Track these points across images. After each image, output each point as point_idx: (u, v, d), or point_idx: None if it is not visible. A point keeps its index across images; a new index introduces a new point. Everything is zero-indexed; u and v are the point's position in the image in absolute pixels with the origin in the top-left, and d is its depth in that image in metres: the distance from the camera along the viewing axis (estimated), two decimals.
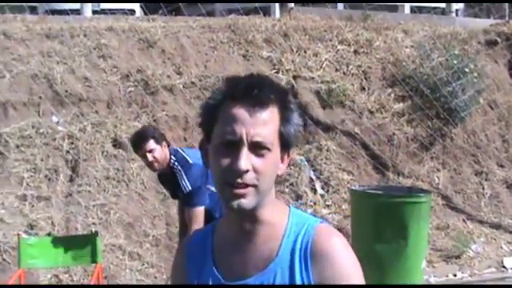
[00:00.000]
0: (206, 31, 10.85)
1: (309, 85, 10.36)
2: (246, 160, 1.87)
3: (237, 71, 10.11)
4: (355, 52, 11.09)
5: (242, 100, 1.88)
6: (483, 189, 10.70)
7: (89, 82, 9.84)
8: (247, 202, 1.90)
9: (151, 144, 5.68)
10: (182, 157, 5.79)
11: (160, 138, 5.76)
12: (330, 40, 11.16)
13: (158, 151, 5.70)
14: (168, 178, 5.89)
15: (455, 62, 10.92)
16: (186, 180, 5.67)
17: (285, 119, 1.93)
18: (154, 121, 9.46)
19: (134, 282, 8.08)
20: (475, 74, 11.03)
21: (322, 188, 9.35)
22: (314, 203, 9.15)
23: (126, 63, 10.09)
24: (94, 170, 8.95)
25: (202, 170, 5.75)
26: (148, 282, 8.13)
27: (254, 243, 2.01)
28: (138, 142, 5.87)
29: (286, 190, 9.19)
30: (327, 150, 9.67)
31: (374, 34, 11.67)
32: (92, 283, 6.28)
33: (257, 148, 1.88)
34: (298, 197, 9.15)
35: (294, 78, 10.37)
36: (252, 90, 1.89)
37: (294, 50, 10.71)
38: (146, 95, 9.71)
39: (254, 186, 1.89)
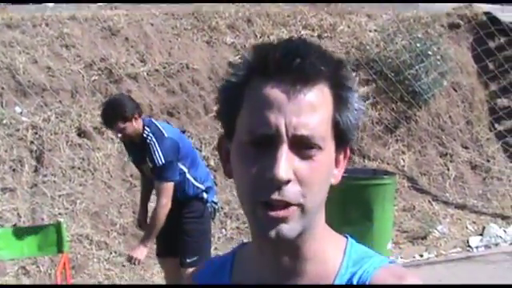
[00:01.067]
0: (169, 18, 10.80)
1: None
2: (287, 165, 1.27)
3: (201, 58, 10.11)
4: (319, 36, 11.11)
5: (276, 76, 1.29)
6: (448, 170, 10.81)
7: (52, 71, 9.76)
8: (289, 228, 1.31)
9: (119, 125, 5.61)
10: (157, 129, 5.74)
11: (130, 113, 5.63)
12: (294, 25, 11.17)
13: (129, 127, 5.63)
14: (136, 146, 5.82)
15: (418, 45, 11.00)
16: (159, 153, 5.62)
17: (342, 103, 1.35)
18: None
19: (102, 272, 8.07)
20: (438, 57, 11.12)
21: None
22: None
23: (89, 52, 10.02)
24: (59, 160, 8.91)
25: (176, 145, 5.76)
26: (116, 270, 8.13)
27: (294, 277, 1.41)
28: (106, 126, 5.90)
29: None
30: None
31: (337, 18, 11.70)
32: (58, 273, 6.26)
33: (302, 146, 1.29)
34: None
35: None
36: (292, 61, 1.29)
37: (258, 36, 10.71)
38: (110, 84, 9.66)
39: (299, 204, 1.30)
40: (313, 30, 11.19)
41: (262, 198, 1.28)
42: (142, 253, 5.84)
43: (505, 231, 9.94)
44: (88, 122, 9.23)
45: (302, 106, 1.28)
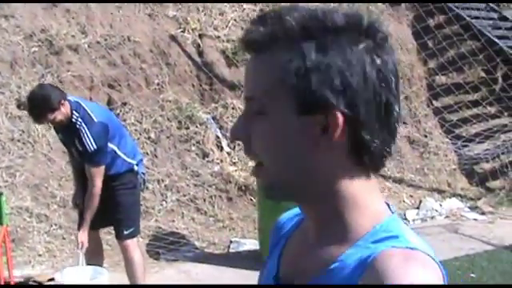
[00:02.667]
0: None
1: (215, 44, 10.38)
2: (236, 124, 1.39)
3: (142, 31, 10.07)
4: (261, 11, 11.12)
5: (243, 43, 1.37)
6: None
7: None
8: (261, 186, 1.43)
9: (49, 117, 5.59)
10: (86, 114, 5.68)
11: (56, 102, 5.54)
12: None
13: (58, 115, 5.58)
14: (65, 128, 5.79)
15: None
16: (90, 138, 5.60)
17: (290, 67, 1.29)
18: (60, 81, 9.32)
19: (43, 244, 8.05)
20: None
21: (229, 146, 9.45)
22: (221, 161, 9.25)
23: (29, 23, 9.88)
24: None
25: (105, 128, 5.76)
26: (56, 243, 8.11)
27: (318, 241, 1.40)
28: (37, 122, 6.02)
29: (193, 148, 9.25)
30: (233, 108, 9.75)
31: None
32: None
33: (251, 110, 1.35)
34: (205, 155, 9.23)
35: (200, 36, 10.36)
36: (250, 30, 1.34)
37: (200, 9, 10.69)
38: (51, 55, 9.56)
39: (258, 163, 1.37)
40: (255, 4, 11.18)
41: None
42: (86, 237, 5.89)
43: (440, 205, 10.20)
44: (28, 93, 9.12)
45: (250, 70, 1.35)
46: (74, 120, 5.66)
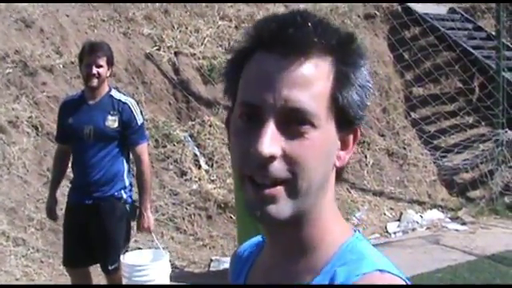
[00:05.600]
0: (85, 10, 10.67)
1: (190, 61, 10.35)
2: (272, 139, 1.20)
3: (117, 49, 10.01)
4: (236, 27, 11.13)
5: (270, 47, 1.23)
6: (366, 158, 10.99)
7: None
8: (277, 209, 1.24)
9: (104, 60, 5.50)
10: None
11: (111, 65, 5.61)
12: (211, 16, 11.16)
13: (104, 71, 5.50)
14: (88, 104, 5.62)
15: None
16: (138, 112, 5.59)
17: (342, 79, 1.25)
18: (35, 102, 9.25)
19: (20, 268, 7.95)
20: None
21: (207, 163, 9.40)
22: (199, 179, 9.19)
23: (2, 44, 9.80)
24: None
25: None
26: (34, 267, 8.01)
27: (284, 269, 1.35)
28: (97, 48, 5.60)
29: (171, 166, 9.19)
30: (210, 126, 9.71)
31: (254, 8, 11.74)
32: None
33: (292, 122, 1.22)
34: (183, 173, 9.18)
35: (176, 54, 10.34)
36: (285, 31, 1.22)
37: (175, 27, 10.67)
38: (25, 76, 9.49)
39: (287, 181, 1.23)
40: (230, 21, 11.22)
41: (248, 171, 1.23)
42: (150, 220, 5.76)
43: (421, 216, 10.20)
44: (2, 115, 9.03)
45: (292, 78, 1.21)
46: (114, 94, 5.62)
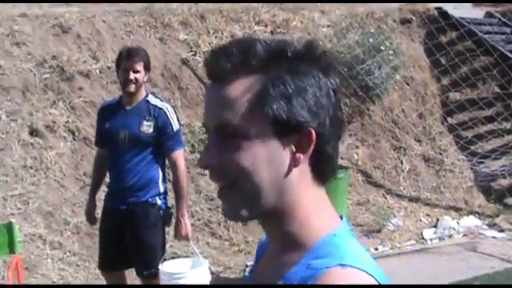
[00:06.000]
0: (121, 15, 10.74)
1: None
2: (210, 153, 1.45)
3: (153, 55, 10.06)
4: (272, 32, 11.12)
5: (208, 76, 1.49)
6: (401, 164, 10.91)
7: (2, 69, 9.63)
8: (230, 208, 1.50)
9: (141, 65, 5.53)
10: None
11: (148, 70, 5.64)
12: (247, 21, 11.16)
13: (141, 76, 5.52)
14: (125, 109, 5.67)
15: (371, 40, 11.07)
16: (174, 118, 5.58)
17: (267, 92, 1.41)
18: (72, 107, 9.33)
19: (56, 272, 8.00)
20: (391, 52, 11.21)
21: None
22: None
23: (40, 50, 9.91)
24: (11, 160, 8.79)
25: None
26: (70, 270, 8.06)
27: (275, 257, 1.52)
28: (134, 53, 5.63)
29: (206, 171, 9.14)
30: None
31: (290, 14, 11.73)
32: (11, 274, 6.19)
33: (228, 136, 1.43)
34: None
35: None
36: (217, 61, 1.45)
37: (211, 32, 10.69)
38: (62, 81, 9.57)
39: (235, 186, 1.44)
40: (266, 26, 11.21)
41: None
42: (187, 227, 5.77)
43: (458, 223, 10.08)
44: (40, 120, 9.12)
45: (220, 100, 1.43)
46: (150, 100, 5.65)
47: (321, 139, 1.44)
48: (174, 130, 5.61)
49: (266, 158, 1.42)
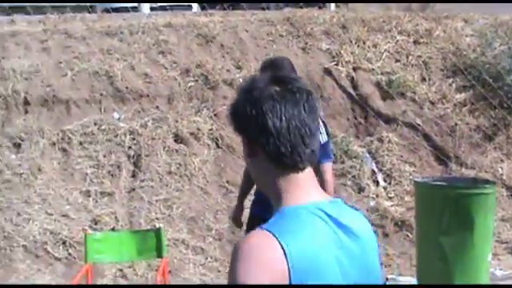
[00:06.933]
0: (264, 25, 10.84)
1: (369, 76, 10.25)
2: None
3: (296, 64, 10.06)
4: (415, 42, 10.93)
5: None
6: None
7: (149, 78, 9.94)
8: None
9: None
10: None
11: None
12: (389, 31, 11.01)
13: None
14: None
15: None
16: (322, 128, 5.40)
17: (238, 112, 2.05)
18: (215, 115, 9.50)
19: (198, 276, 8.13)
20: None
21: (384, 180, 9.26)
22: (377, 195, 9.06)
23: (185, 58, 10.15)
24: (157, 165, 9.03)
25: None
26: (211, 276, 8.17)
27: None
28: (278, 64, 5.53)
29: (349, 182, 9.13)
30: (389, 142, 9.56)
31: (433, 23, 11.49)
32: (159, 277, 6.32)
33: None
34: (361, 189, 9.08)
35: (354, 69, 10.27)
36: None
37: (353, 42, 10.61)
38: (206, 90, 9.76)
39: None
40: (408, 36, 11.02)
41: None
42: None
43: None
44: (185, 127, 9.33)
45: None
46: None
47: (270, 148, 1.98)
48: (321, 142, 5.53)
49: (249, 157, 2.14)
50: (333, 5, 13.03)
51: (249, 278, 1.74)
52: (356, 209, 2.10)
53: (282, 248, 1.79)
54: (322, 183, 5.56)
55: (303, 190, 1.97)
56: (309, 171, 2.01)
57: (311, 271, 1.81)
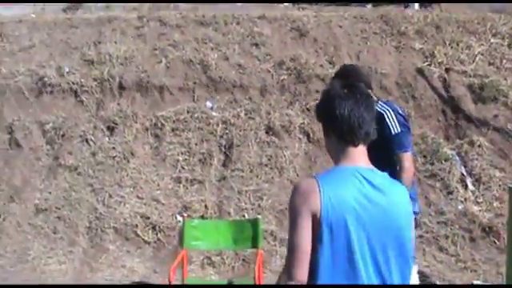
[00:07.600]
0: (357, 22, 10.85)
1: (461, 78, 10.16)
2: None
3: (389, 63, 10.09)
4: (509, 46, 10.77)
5: None
6: None
7: (242, 68, 10.07)
8: None
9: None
10: (394, 106, 5.72)
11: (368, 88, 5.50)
12: (483, 33, 10.88)
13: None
14: None
15: None
16: (395, 121, 5.52)
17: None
18: (307, 109, 9.57)
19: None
20: None
21: (473, 184, 9.18)
22: (465, 199, 9.00)
23: (279, 51, 10.24)
24: (247, 156, 9.16)
25: (408, 127, 5.69)
26: None
27: None
28: (347, 73, 5.65)
29: (437, 184, 9.09)
30: (479, 146, 9.46)
31: None
32: (257, 269, 6.43)
33: None
34: (449, 192, 9.04)
35: (447, 70, 10.19)
36: None
37: (447, 43, 10.53)
38: (299, 83, 9.83)
39: None
40: (503, 39, 10.86)
41: None
42: None
43: None
44: (277, 120, 9.43)
45: None
46: (376, 106, 5.70)
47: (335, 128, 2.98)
48: (393, 133, 5.57)
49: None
50: (416, 4, 12.90)
51: (293, 202, 2.75)
52: (399, 185, 2.98)
53: (319, 189, 2.72)
54: (400, 170, 5.62)
55: (353, 159, 2.89)
56: (362, 148, 2.92)
57: (336, 205, 2.70)
